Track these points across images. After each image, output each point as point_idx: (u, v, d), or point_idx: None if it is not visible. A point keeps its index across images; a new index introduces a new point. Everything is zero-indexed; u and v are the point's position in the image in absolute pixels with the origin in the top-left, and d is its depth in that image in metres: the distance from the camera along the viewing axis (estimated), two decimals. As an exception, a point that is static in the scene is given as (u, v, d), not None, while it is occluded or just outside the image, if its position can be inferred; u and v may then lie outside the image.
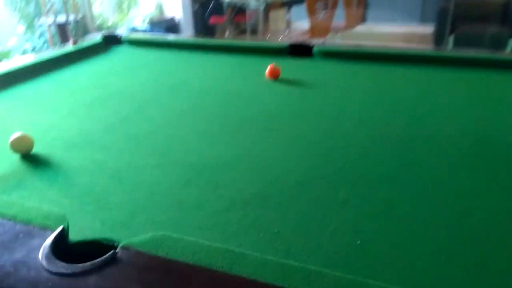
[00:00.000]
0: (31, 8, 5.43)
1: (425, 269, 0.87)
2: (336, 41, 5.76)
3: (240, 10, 6.05)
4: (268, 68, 2.15)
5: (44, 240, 0.86)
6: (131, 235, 0.95)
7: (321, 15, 5.22)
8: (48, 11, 4.97)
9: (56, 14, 4.93)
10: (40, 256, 0.81)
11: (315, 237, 0.97)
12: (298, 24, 6.42)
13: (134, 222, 1.03)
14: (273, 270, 0.79)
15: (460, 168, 1.27)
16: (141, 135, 1.54)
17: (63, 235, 0.89)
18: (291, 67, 2.32)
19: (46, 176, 1.25)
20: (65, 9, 4.97)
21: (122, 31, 3.29)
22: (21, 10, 5.39)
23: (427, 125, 1.59)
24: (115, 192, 1.16)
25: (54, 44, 5.06)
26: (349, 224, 1.02)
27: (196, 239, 0.88)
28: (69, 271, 0.78)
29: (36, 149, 1.40)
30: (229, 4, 5.93)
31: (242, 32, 6.70)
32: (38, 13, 5.37)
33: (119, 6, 6.46)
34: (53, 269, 0.78)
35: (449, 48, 4.92)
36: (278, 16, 6.99)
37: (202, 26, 6.45)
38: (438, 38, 5.29)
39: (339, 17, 5.34)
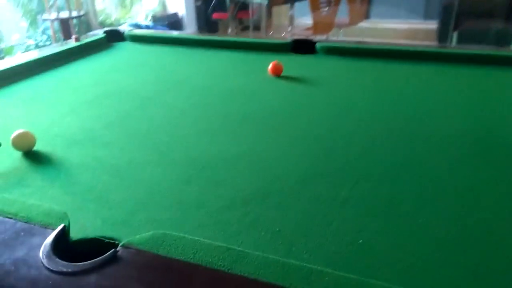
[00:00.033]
0: (34, 4, 5.42)
1: (426, 269, 0.87)
2: (339, 37, 5.74)
3: (243, 6, 6.03)
4: (271, 65, 2.14)
5: (45, 238, 0.86)
6: (132, 233, 0.95)
7: (324, 11, 5.19)
8: (51, 7, 4.96)
9: (58, 10, 4.92)
10: (40, 254, 0.81)
11: (316, 236, 0.97)
12: (301, 20, 6.39)
13: (135, 220, 1.03)
14: (274, 269, 0.79)
15: (463, 167, 1.26)
16: (142, 132, 1.54)
17: (64, 233, 0.89)
18: (293, 63, 2.31)
19: (47, 173, 1.25)
20: (68, 5, 4.96)
21: (124, 27, 3.28)
22: (24, 6, 5.39)
23: (430, 122, 1.58)
24: (116, 189, 1.16)
25: (57, 41, 5.06)
26: (350, 223, 1.02)
27: (197, 238, 0.88)
28: (69, 269, 0.78)
29: (38, 146, 1.40)
30: (232, 0, 5.91)
31: (245, 28, 6.68)
32: (41, 9, 5.37)
33: (122, 2, 6.45)
34: (54, 267, 0.78)
35: (453, 44, 4.88)
36: (281, 12, 6.97)
37: (205, 22, 6.43)
38: (442, 34, 5.25)
39: (343, 13, 5.31)
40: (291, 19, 5.96)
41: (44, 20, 5.19)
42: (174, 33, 3.21)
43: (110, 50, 2.70)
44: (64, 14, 5.00)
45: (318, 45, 2.49)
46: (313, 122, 1.60)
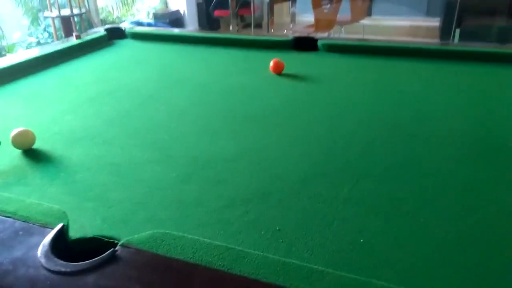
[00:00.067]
0: (36, 1, 5.42)
1: (427, 269, 0.86)
2: (341, 34, 5.72)
3: (244, 3, 6.01)
4: (272, 62, 2.13)
5: (44, 237, 0.85)
6: (131, 232, 0.94)
7: (326, 8, 5.17)
8: (53, 4, 4.95)
9: (60, 7, 4.91)
10: (39, 254, 0.81)
11: (317, 236, 0.96)
12: (302, 18, 6.37)
13: (134, 219, 1.02)
14: (274, 269, 0.78)
15: (463, 166, 1.25)
16: (143, 130, 1.53)
17: (63, 232, 0.89)
18: (295, 61, 2.30)
19: (47, 172, 1.24)
20: (69, 2, 4.95)
21: (126, 25, 3.27)
22: (25, 3, 5.38)
23: (432, 120, 1.56)
24: (115, 188, 1.16)
25: (59, 38, 5.05)
26: (351, 222, 1.01)
27: (196, 237, 0.87)
28: (68, 269, 0.77)
29: (38, 145, 1.39)
30: (233, -3, 5.89)
31: (247, 25, 6.66)
32: (43, 7, 5.36)
33: (124, 0, 6.44)
34: (52, 267, 0.77)
35: (456, 42, 4.86)
36: (283, 9, 6.95)
37: (207, 19, 6.42)
38: (445, 31, 5.23)
39: (344, 11, 5.29)
40: (293, 16, 5.94)
41: (46, 17, 5.18)
42: (175, 31, 3.19)
43: (111, 48, 2.69)
44: (66, 12, 4.99)
45: (319, 43, 2.48)
46: (314, 121, 1.59)
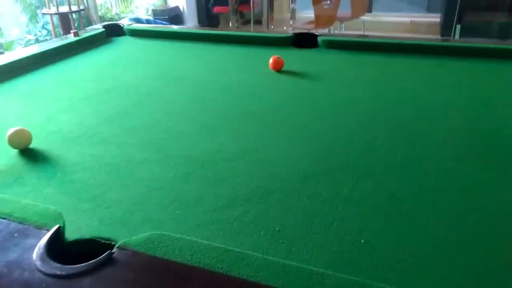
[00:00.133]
0: (34, -2, 5.39)
1: (427, 269, 0.85)
2: (341, 31, 5.69)
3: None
4: (271, 59, 2.11)
5: (39, 239, 0.84)
6: (128, 233, 0.93)
7: (326, 4, 5.14)
8: (51, 1, 4.93)
9: (58, 4, 4.89)
10: (34, 256, 0.79)
11: (317, 236, 0.94)
12: (302, 14, 6.35)
13: (132, 220, 1.01)
14: (273, 271, 0.77)
15: (464, 165, 1.24)
16: (141, 129, 1.51)
17: (58, 234, 0.87)
18: (295, 57, 2.29)
19: (43, 172, 1.23)
20: (68, -1, 4.93)
21: (125, 22, 3.25)
22: (23, 0, 5.36)
23: (433, 117, 1.55)
24: (113, 188, 1.14)
25: (57, 36, 5.03)
26: (352, 222, 0.99)
27: (194, 239, 0.86)
28: (63, 272, 0.75)
29: (34, 144, 1.38)
30: (233, -6, 5.86)
31: (246, 21, 6.64)
32: (41, 4, 5.33)
33: (123, -4, 6.40)
34: (47, 270, 0.76)
35: (456, 38, 4.84)
36: (283, 5, 6.92)
37: (206, 15, 6.39)
38: (445, 27, 5.21)
39: (344, 7, 5.26)
40: (293, 13, 5.92)
41: (44, 14, 5.15)
42: (174, 27, 3.17)
43: (109, 45, 2.67)
44: (64, 9, 4.96)
45: (319, 39, 2.46)
46: (314, 118, 1.57)
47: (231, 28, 5.77)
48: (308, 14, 5.79)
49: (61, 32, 5.00)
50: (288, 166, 1.24)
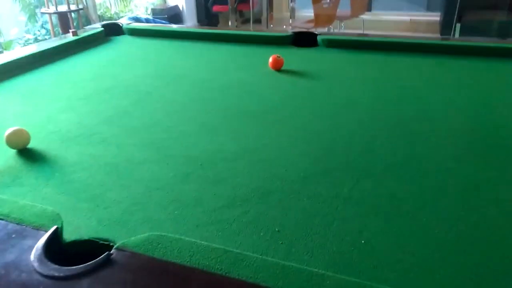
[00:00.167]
0: (33, -3, 5.38)
1: (427, 269, 0.84)
2: (341, 30, 5.68)
3: (243, -2, 5.98)
4: (271, 58, 2.10)
5: (37, 240, 0.83)
6: (127, 234, 0.93)
7: (325, 3, 5.14)
8: (50, 0, 4.92)
9: (57, 4, 4.88)
10: (32, 258, 0.78)
11: (317, 236, 0.94)
12: (302, 13, 6.34)
13: (131, 220, 1.00)
14: (273, 272, 0.76)
15: (464, 165, 1.23)
16: (140, 129, 1.51)
17: (56, 235, 0.86)
18: (295, 56, 2.28)
19: (42, 172, 1.22)
20: (67, -2, 4.92)
21: (124, 21, 3.24)
22: (22, 0, 5.35)
23: (433, 116, 1.54)
24: (112, 188, 1.13)
25: (56, 35, 5.02)
26: (352, 222, 0.99)
27: (193, 240, 0.85)
28: (61, 274, 0.75)
29: (33, 144, 1.37)
30: (232, -8, 5.85)
31: (246, 20, 6.63)
32: (40, 3, 5.32)
33: (122, -5, 6.39)
34: (45, 272, 0.75)
35: (456, 36, 4.83)
36: (282, 4, 6.91)
37: (205, 14, 6.38)
38: (445, 26, 5.20)
39: (344, 5, 5.25)
40: (292, 12, 5.91)
41: (43, 13, 5.14)
42: (174, 27, 3.17)
43: (108, 44, 2.66)
44: (63, 8, 4.95)
45: (319, 38, 2.46)
46: (314, 118, 1.57)
47: (231, 27, 5.77)
48: (307, 13, 5.78)
49: (60, 32, 4.99)
50: (288, 166, 1.24)
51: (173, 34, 2.79)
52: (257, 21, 6.35)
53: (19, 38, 5.27)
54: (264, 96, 1.79)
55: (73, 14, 5.14)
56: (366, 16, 5.74)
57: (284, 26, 5.86)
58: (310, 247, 0.90)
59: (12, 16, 5.33)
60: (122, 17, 5.79)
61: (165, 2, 6.52)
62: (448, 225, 0.97)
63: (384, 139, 1.39)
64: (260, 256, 0.81)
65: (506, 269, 0.84)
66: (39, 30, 5.44)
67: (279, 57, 2.10)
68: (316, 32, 2.52)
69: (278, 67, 2.10)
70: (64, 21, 4.97)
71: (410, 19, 6.22)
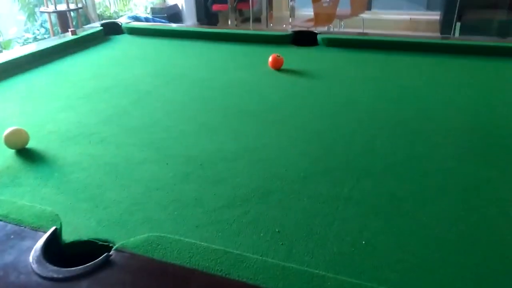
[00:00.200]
0: (32, -4, 5.37)
1: (427, 269, 0.84)
2: (341, 29, 5.68)
3: (243, -3, 5.97)
4: (270, 58, 2.10)
5: (36, 241, 0.83)
6: (127, 235, 0.92)
7: (325, 2, 5.13)
8: (49, -1, 4.91)
9: (56, 3, 4.87)
10: (30, 259, 0.78)
11: (318, 237, 0.93)
12: (302, 12, 6.33)
13: (130, 221, 0.99)
14: (273, 274, 0.76)
15: (465, 164, 1.23)
16: (139, 128, 1.50)
17: (55, 236, 0.86)
18: (294, 55, 2.27)
19: (40, 172, 1.21)
20: (66, -3, 4.91)
21: (123, 20, 3.24)
22: (21, -1, 5.34)
23: (434, 116, 1.54)
24: (111, 188, 1.13)
25: (55, 34, 5.01)
26: (352, 222, 0.98)
27: (193, 240, 0.85)
28: (60, 275, 0.74)
29: (32, 143, 1.37)
30: (232, -9, 5.84)
31: (245, 19, 6.62)
32: (39, 2, 5.31)
33: (121, -6, 6.38)
34: (44, 273, 0.75)
35: (456, 35, 4.82)
36: (282, 3, 6.90)
37: (205, 13, 6.37)
38: (445, 25, 5.19)
39: (344, 4, 5.24)
40: (292, 10, 5.90)
41: (42, 12, 5.13)
42: (173, 26, 3.16)
43: (107, 43, 2.65)
44: (62, 7, 4.94)
45: (319, 37, 2.45)
46: (314, 117, 1.56)
47: (230, 26, 5.76)
48: (307, 12, 5.78)
49: (59, 31, 4.98)
50: (288, 166, 1.23)
51: (172, 33, 2.78)
52: (257, 20, 6.34)
53: (18, 37, 5.26)
54: (264, 96, 1.78)
55: (72, 13, 5.13)
56: (366, 15, 5.73)
57: (284, 25, 5.85)
58: (310, 248, 0.90)
59: (11, 15, 5.32)
60: (121, 16, 5.78)
61: (164, 1, 6.51)
62: (448, 225, 0.97)
63: (384, 138, 1.39)
64: (260, 257, 0.81)
65: (506, 269, 0.84)
66: (38, 29, 5.43)
67: (279, 56, 2.09)
68: (316, 31, 2.52)
69: (278, 67, 2.09)
70: (63, 20, 4.96)
71: (410, 18, 6.21)
